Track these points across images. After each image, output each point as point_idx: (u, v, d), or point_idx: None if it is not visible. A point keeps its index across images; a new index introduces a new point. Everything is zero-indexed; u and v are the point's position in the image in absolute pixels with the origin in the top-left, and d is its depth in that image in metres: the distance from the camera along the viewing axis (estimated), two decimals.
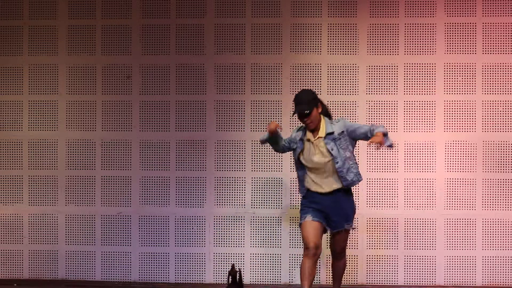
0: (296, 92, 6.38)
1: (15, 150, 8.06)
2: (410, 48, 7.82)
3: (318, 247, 6.10)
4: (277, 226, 7.82)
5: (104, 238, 7.98)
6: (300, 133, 6.32)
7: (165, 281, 7.93)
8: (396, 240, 7.78)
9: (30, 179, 8.04)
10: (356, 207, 6.47)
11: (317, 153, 6.21)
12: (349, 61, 7.86)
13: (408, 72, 7.82)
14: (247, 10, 7.93)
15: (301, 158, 6.25)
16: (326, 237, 7.80)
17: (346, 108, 7.83)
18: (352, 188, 6.35)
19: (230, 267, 7.46)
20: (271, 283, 7.82)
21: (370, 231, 7.79)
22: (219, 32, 7.94)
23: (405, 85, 7.81)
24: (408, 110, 7.81)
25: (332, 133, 6.21)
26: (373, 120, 7.81)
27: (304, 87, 7.87)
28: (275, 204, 7.84)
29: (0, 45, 8.09)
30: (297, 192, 7.82)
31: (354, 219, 6.44)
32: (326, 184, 6.21)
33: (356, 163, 6.30)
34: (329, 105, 7.84)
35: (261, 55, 7.91)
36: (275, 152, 7.79)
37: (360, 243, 7.79)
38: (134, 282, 7.94)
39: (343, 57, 7.87)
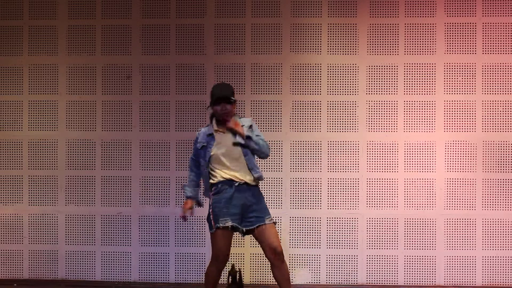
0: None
1: (15, 150, 8.06)
2: (410, 48, 7.82)
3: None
4: (276, 226, 7.82)
5: (104, 238, 7.98)
6: (205, 132, 6.21)
7: (165, 281, 7.94)
8: (396, 240, 7.78)
9: (30, 179, 8.04)
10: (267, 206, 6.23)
11: (229, 140, 6.12)
12: (349, 61, 7.86)
13: (408, 72, 7.82)
14: (247, 10, 7.94)
15: (214, 150, 6.12)
16: (326, 237, 7.80)
17: (346, 108, 7.84)
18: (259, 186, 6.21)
19: (230, 267, 7.46)
20: (272, 283, 7.82)
21: (370, 231, 7.80)
22: (219, 32, 7.95)
23: (405, 85, 7.82)
24: (408, 110, 7.81)
25: (242, 125, 6.16)
26: (373, 120, 7.81)
27: (304, 87, 7.88)
28: (274, 204, 7.84)
29: (0, 45, 8.10)
30: (297, 192, 7.84)
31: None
32: (240, 173, 6.09)
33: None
34: (329, 105, 7.87)
35: (261, 55, 7.91)
36: (275, 153, 7.80)
37: (360, 243, 7.80)
38: (134, 282, 7.95)
39: (343, 57, 7.87)
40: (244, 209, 6.07)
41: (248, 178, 6.09)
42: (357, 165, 7.82)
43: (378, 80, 7.84)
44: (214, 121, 6.21)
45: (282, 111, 7.86)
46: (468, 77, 7.79)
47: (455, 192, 7.76)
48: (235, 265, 7.70)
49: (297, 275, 7.83)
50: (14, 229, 8.06)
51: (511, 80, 7.77)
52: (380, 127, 7.82)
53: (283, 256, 6.05)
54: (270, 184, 7.84)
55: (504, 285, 7.72)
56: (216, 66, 7.93)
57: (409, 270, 7.78)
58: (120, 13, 8.02)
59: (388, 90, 7.84)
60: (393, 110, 7.82)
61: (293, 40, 7.90)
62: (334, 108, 7.83)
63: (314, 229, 7.83)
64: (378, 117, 7.82)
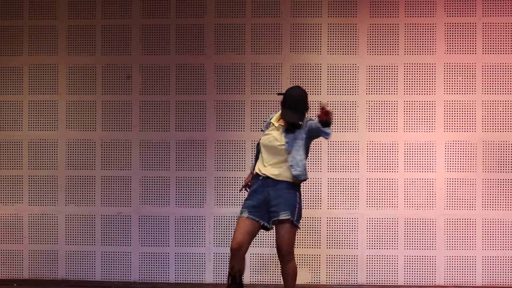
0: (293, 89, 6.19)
1: (15, 150, 8.06)
2: (410, 48, 7.82)
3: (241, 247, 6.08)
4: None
5: (104, 238, 7.98)
6: (271, 118, 6.23)
7: (165, 281, 7.94)
8: (396, 240, 7.78)
9: (30, 179, 8.04)
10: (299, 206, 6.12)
11: (273, 135, 6.11)
12: (349, 61, 7.86)
13: (408, 72, 7.82)
14: (247, 10, 7.93)
15: (262, 140, 6.14)
16: (326, 237, 7.80)
17: (346, 108, 7.83)
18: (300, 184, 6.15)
19: (230, 267, 7.46)
20: (271, 283, 7.82)
21: (370, 231, 7.79)
22: (219, 32, 7.94)
23: (405, 85, 7.81)
24: (408, 110, 7.81)
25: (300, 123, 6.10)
26: (373, 120, 7.81)
27: (304, 87, 7.86)
28: None
29: (0, 45, 8.09)
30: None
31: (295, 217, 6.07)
32: (268, 167, 6.08)
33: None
34: (329, 105, 7.86)
35: (261, 55, 7.91)
36: None
37: (360, 243, 7.79)
38: (134, 282, 7.94)
39: (343, 57, 7.87)
40: (266, 204, 6.07)
41: (274, 173, 6.05)
42: (357, 165, 7.82)
43: (378, 80, 7.84)
44: (274, 114, 6.19)
45: None
46: (468, 77, 7.78)
47: (455, 192, 7.76)
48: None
49: (298, 275, 7.81)
50: (14, 229, 8.06)
51: (511, 80, 7.77)
52: (380, 127, 7.82)
53: (289, 258, 6.04)
54: None
55: (504, 285, 7.72)
56: (216, 66, 7.93)
57: (409, 270, 7.77)
58: (120, 13, 8.02)
59: (388, 90, 7.83)
60: (393, 110, 7.82)
61: (293, 40, 7.90)
62: (334, 108, 7.82)
63: (314, 229, 7.82)
64: (378, 117, 7.82)
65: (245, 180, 6.48)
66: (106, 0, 8.02)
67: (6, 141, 8.07)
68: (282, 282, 6.55)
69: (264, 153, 6.13)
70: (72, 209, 8.00)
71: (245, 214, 6.05)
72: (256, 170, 6.15)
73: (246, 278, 7.82)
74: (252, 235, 6.08)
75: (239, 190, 6.55)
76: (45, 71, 8.06)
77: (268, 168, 6.07)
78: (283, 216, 6.00)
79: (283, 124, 6.11)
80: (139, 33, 7.99)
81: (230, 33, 7.94)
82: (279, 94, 6.26)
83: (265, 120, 6.33)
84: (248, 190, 6.33)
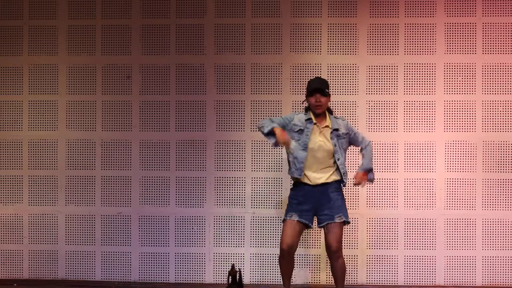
0: (311, 80, 6.59)
1: (15, 150, 8.06)
2: (410, 48, 7.82)
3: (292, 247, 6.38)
4: (277, 226, 7.82)
5: (104, 238, 7.98)
6: (302, 117, 6.47)
7: (165, 281, 7.94)
8: (396, 240, 7.78)
9: (30, 179, 8.04)
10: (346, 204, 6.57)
11: (321, 139, 6.40)
12: (349, 61, 7.86)
13: (408, 72, 7.82)
14: (247, 10, 7.94)
15: (309, 140, 6.40)
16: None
17: (346, 108, 7.84)
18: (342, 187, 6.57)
19: (230, 267, 7.47)
20: (271, 283, 7.82)
21: (370, 231, 7.80)
22: (219, 32, 7.95)
23: (405, 85, 7.82)
24: (408, 110, 7.81)
25: (337, 129, 6.47)
26: (373, 120, 7.81)
27: (304, 87, 7.87)
28: (275, 204, 7.85)
29: (0, 45, 8.10)
30: None
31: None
32: (316, 173, 6.39)
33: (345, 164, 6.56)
34: (329, 105, 7.86)
35: (261, 55, 7.91)
36: (275, 153, 7.80)
37: (360, 243, 7.80)
38: (134, 282, 7.95)
39: (343, 57, 7.87)
40: (316, 207, 6.38)
41: (324, 178, 6.37)
42: (357, 165, 7.81)
43: (378, 80, 7.84)
44: (300, 114, 6.51)
45: (282, 111, 7.86)
46: (468, 77, 7.79)
47: (455, 192, 7.76)
48: (235, 265, 7.71)
49: (297, 275, 7.83)
50: (14, 229, 8.06)
51: (511, 80, 7.77)
52: (380, 127, 7.82)
53: (338, 254, 6.39)
54: (270, 184, 7.84)
55: (504, 285, 7.72)
56: (216, 66, 7.94)
57: (409, 270, 7.78)
58: (120, 13, 8.02)
59: (388, 90, 7.84)
60: (393, 110, 7.82)
61: (293, 40, 7.90)
62: (334, 108, 7.82)
63: (314, 229, 7.82)
64: (378, 117, 7.82)
65: (283, 136, 6.27)
66: (106, 0, 8.03)
67: (6, 141, 8.08)
68: (281, 282, 6.59)
69: (310, 158, 6.36)
70: (72, 209, 8.01)
71: (296, 218, 6.35)
72: (305, 174, 6.35)
73: (246, 278, 7.82)
74: (300, 236, 6.41)
75: (282, 141, 6.30)
76: (45, 71, 8.06)
77: (316, 174, 6.36)
78: (338, 219, 6.38)
79: (326, 125, 6.42)
80: (139, 33, 8.00)
81: (230, 33, 7.94)
82: (304, 102, 6.62)
83: (290, 116, 6.50)
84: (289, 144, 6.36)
